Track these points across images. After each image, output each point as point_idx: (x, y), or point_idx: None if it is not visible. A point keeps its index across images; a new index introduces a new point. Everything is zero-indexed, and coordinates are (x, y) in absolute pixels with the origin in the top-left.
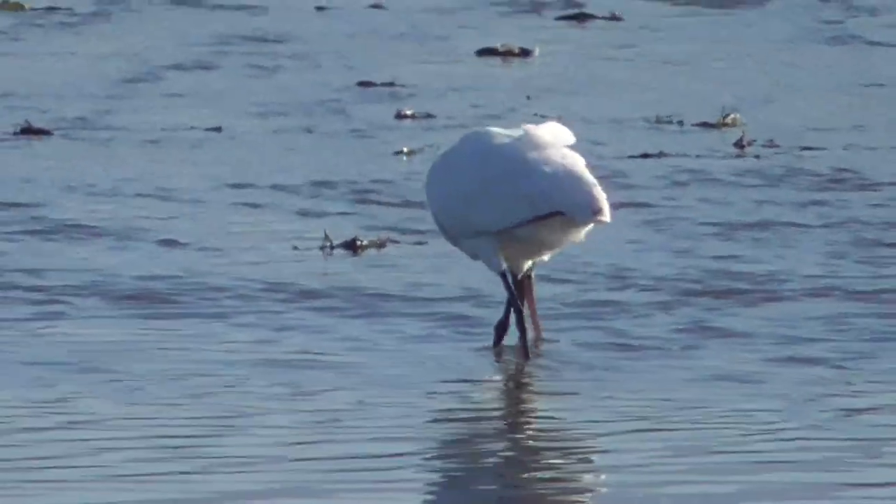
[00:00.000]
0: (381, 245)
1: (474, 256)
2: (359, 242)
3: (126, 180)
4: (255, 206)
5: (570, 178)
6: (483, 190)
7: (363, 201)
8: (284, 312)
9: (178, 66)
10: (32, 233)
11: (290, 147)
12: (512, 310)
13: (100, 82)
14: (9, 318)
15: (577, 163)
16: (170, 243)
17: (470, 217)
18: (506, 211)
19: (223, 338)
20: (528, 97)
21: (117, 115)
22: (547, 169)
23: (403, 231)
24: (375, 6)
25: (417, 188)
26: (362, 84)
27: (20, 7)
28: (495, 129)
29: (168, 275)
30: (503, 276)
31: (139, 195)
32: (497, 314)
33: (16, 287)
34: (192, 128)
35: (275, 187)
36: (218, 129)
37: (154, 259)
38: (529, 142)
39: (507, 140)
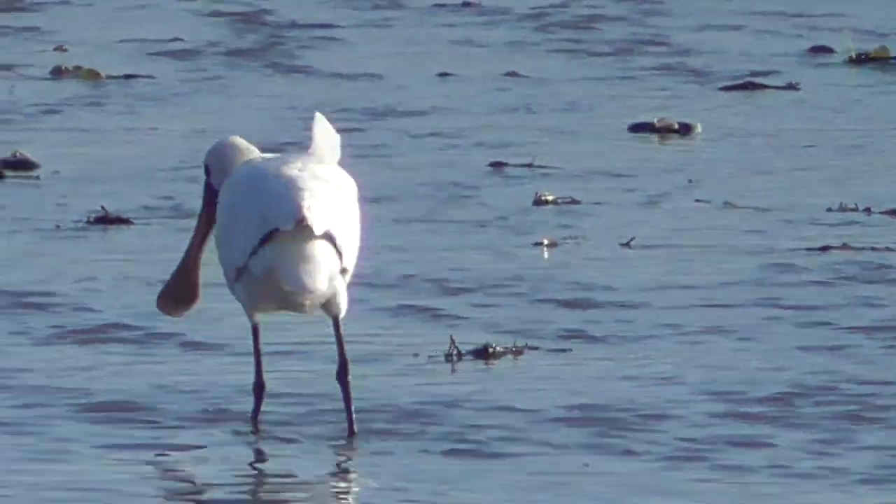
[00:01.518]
0: (517, 352)
1: (242, 304)
2: (491, 349)
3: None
4: (368, 307)
5: (277, 190)
6: (227, 223)
7: (495, 302)
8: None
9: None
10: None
11: (409, 238)
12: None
13: (185, 162)
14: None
15: (308, 174)
16: (281, 352)
17: (225, 253)
18: (238, 241)
19: None
20: (690, 181)
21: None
22: (268, 186)
23: (543, 336)
24: (511, 74)
25: (559, 285)
26: (495, 164)
27: (96, 76)
28: (269, 155)
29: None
30: (253, 329)
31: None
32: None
33: None
34: None
35: (391, 286)
36: None
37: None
38: (278, 161)
39: (259, 163)
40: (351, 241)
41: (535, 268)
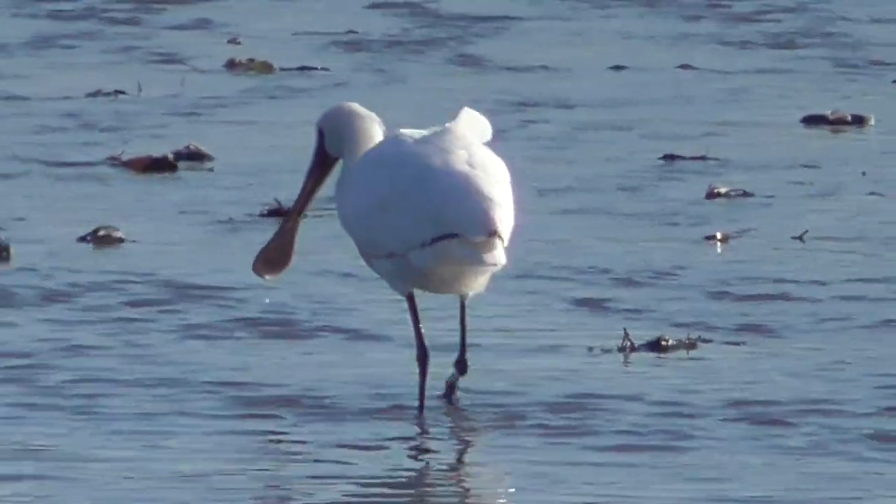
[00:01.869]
0: (690, 345)
1: (386, 280)
2: (664, 342)
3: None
4: (541, 300)
5: (464, 194)
6: (382, 207)
7: (668, 295)
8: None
9: None
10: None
11: (580, 231)
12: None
13: None
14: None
15: (483, 172)
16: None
17: (373, 235)
18: (403, 231)
19: None
20: (864, 173)
21: None
22: (443, 182)
23: (715, 328)
24: (684, 66)
25: (732, 278)
26: (667, 158)
27: (269, 68)
28: (415, 132)
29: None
30: (409, 299)
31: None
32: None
33: None
34: None
35: (561, 278)
36: None
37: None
38: (438, 147)
39: (415, 146)
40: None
41: (708, 261)
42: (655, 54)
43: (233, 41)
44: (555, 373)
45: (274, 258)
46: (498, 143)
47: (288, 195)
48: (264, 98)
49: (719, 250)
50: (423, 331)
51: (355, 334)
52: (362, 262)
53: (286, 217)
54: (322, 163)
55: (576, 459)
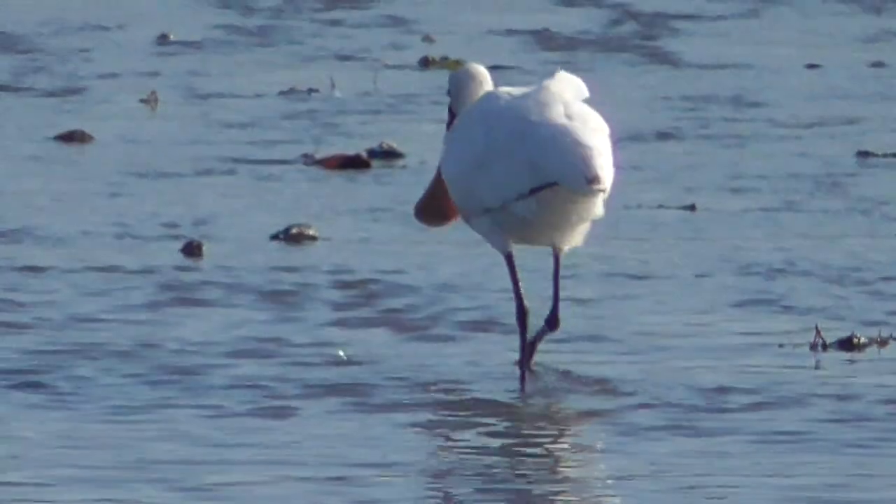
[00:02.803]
0: (883, 342)
1: (484, 238)
2: (856, 339)
3: (572, 265)
4: (733, 298)
5: (562, 143)
6: (479, 161)
7: (862, 291)
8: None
9: (640, 135)
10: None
11: (775, 227)
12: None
13: None
14: None
15: (581, 124)
16: (650, 339)
17: (470, 191)
18: (500, 184)
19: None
20: None
21: None
22: (541, 134)
23: None
24: (877, 64)
25: None
26: (861, 154)
27: (462, 65)
28: (511, 89)
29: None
30: (507, 258)
31: (602, 278)
32: None
33: None
34: (660, 206)
35: (756, 274)
36: (691, 208)
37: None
38: (536, 101)
39: (512, 101)
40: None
41: None
42: (849, 52)
43: (427, 38)
44: (749, 370)
45: (433, 212)
46: (693, 140)
47: None
48: None
49: None
50: (522, 290)
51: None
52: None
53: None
54: (453, 120)
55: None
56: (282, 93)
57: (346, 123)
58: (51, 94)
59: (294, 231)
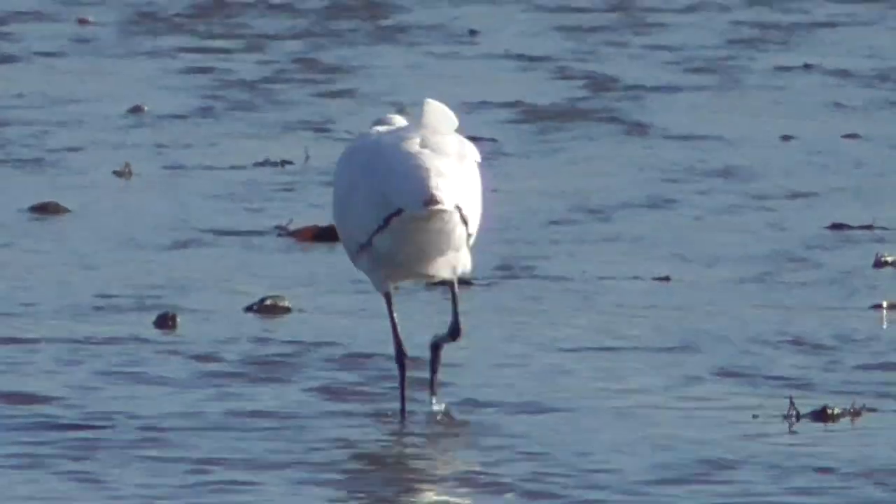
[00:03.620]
0: (856, 413)
1: (366, 276)
2: (830, 411)
3: (554, 340)
4: (702, 368)
5: (401, 169)
6: (344, 199)
7: (835, 362)
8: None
9: (620, 205)
10: None
11: (746, 299)
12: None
13: (529, 224)
14: None
15: (431, 151)
16: (623, 412)
17: (343, 229)
18: (360, 218)
19: None
20: None
21: (548, 261)
22: (387, 162)
23: (884, 395)
24: (851, 136)
25: None
26: (834, 227)
27: None
28: (388, 126)
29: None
30: (386, 297)
31: (576, 351)
32: None
33: None
34: (634, 277)
35: (728, 344)
36: (665, 279)
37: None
38: (395, 136)
39: (373, 137)
40: (476, 207)
41: (874, 330)
42: (823, 124)
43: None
44: (721, 441)
45: None
46: (665, 211)
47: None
48: None
49: (886, 319)
50: (400, 332)
51: None
52: None
53: None
54: None
55: None
56: (256, 164)
57: (319, 195)
58: (24, 165)
59: (268, 302)
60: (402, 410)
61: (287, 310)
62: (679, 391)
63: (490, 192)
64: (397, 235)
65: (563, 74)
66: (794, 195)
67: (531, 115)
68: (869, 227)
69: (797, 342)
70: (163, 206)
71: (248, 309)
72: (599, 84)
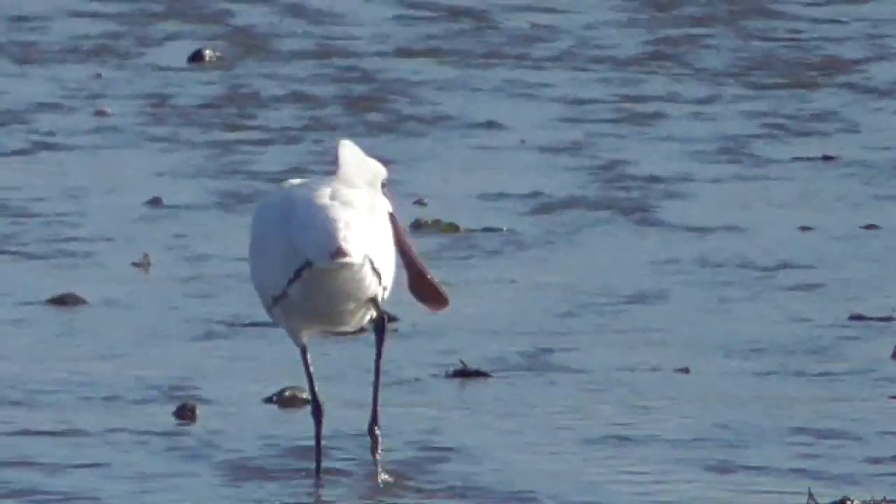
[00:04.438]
0: None
1: (283, 329)
2: (849, 502)
3: (574, 431)
4: (720, 458)
5: (310, 221)
6: (255, 252)
7: (854, 453)
8: None
9: (637, 296)
10: None
11: (765, 389)
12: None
13: (546, 315)
14: None
15: (341, 203)
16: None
17: (257, 282)
18: (272, 271)
19: None
20: None
21: (566, 353)
22: (297, 216)
23: None
24: (870, 227)
25: None
26: (854, 317)
27: (455, 229)
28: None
29: None
30: (302, 351)
31: (595, 442)
32: None
33: None
34: (654, 369)
35: (743, 435)
36: (685, 371)
37: None
38: (307, 188)
39: (286, 191)
40: (387, 260)
41: (894, 421)
42: (842, 215)
43: (419, 202)
44: None
45: (435, 303)
46: (682, 302)
47: (473, 356)
48: (450, 259)
49: None
50: (316, 386)
51: None
52: None
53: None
54: None
55: None
56: None
57: None
58: (42, 257)
59: (287, 394)
60: (318, 466)
61: (306, 401)
62: (700, 482)
63: (508, 283)
64: (308, 288)
65: (580, 165)
66: (813, 286)
67: (548, 206)
68: (888, 319)
69: (816, 432)
70: (182, 298)
71: (268, 400)
72: (616, 175)
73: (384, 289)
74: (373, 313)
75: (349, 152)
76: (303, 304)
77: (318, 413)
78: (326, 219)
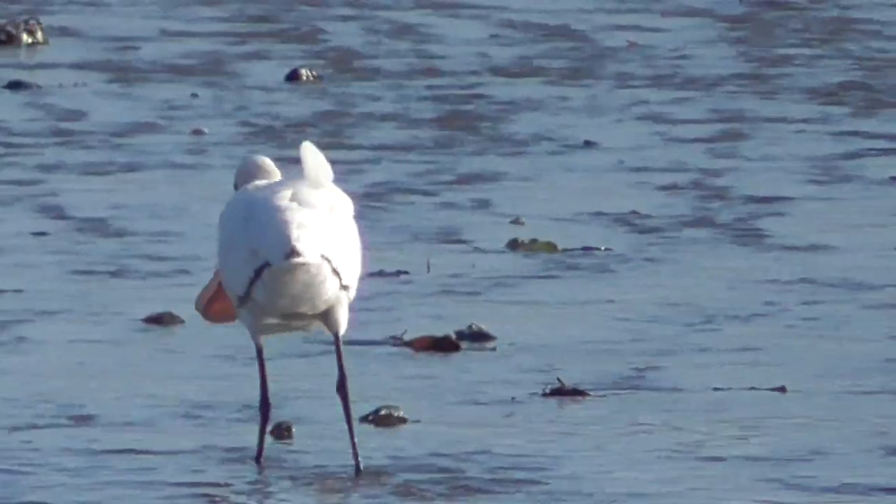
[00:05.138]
0: None
1: (245, 327)
2: None
3: (672, 450)
4: (827, 484)
5: (266, 222)
6: (221, 253)
7: None
8: None
9: (734, 315)
10: None
11: (865, 410)
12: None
13: (639, 335)
14: None
15: (299, 204)
16: None
17: (224, 282)
18: (234, 272)
19: None
20: None
21: (663, 372)
22: (256, 217)
23: None
24: None
25: None
26: None
27: (552, 248)
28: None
29: None
30: (258, 351)
31: (697, 461)
32: None
33: None
34: (751, 388)
35: (844, 462)
36: (781, 390)
37: None
38: (269, 189)
39: (249, 192)
40: (349, 259)
41: None
42: None
43: (515, 221)
44: None
45: (221, 315)
46: (779, 321)
47: (570, 375)
48: (547, 278)
49: None
50: (268, 383)
51: None
52: None
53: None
54: None
55: None
56: (371, 274)
57: (434, 305)
58: (139, 276)
59: (384, 412)
60: (259, 454)
61: (403, 420)
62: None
63: (606, 303)
64: (269, 288)
65: (677, 184)
66: None
67: (645, 225)
68: None
69: None
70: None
71: (364, 419)
72: (712, 194)
73: (346, 288)
74: (338, 318)
75: (312, 154)
76: (264, 304)
77: (265, 407)
78: (282, 219)
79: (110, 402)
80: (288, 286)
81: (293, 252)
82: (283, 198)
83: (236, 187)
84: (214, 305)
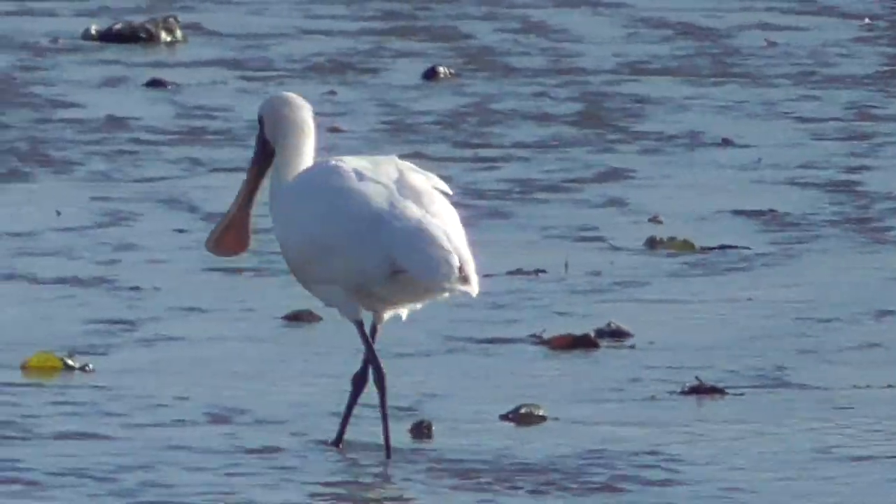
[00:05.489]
0: None
1: (328, 303)
2: None
3: (799, 447)
4: None
5: (419, 238)
6: (326, 242)
7: None
8: None
9: (874, 313)
10: None
11: None
12: (370, 366)
13: (778, 333)
14: None
15: (439, 219)
16: None
17: (319, 266)
18: (356, 270)
19: None
20: None
21: (801, 370)
22: (401, 223)
23: None
24: None
25: None
26: None
27: (690, 246)
28: (361, 164)
29: None
30: (359, 325)
31: (838, 461)
32: None
33: None
34: (888, 386)
35: None
36: None
37: None
38: (396, 189)
39: (370, 184)
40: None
41: None
42: None
43: (654, 219)
44: None
45: (231, 245)
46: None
47: (709, 373)
48: (684, 276)
49: None
50: (378, 354)
51: None
52: None
53: (233, 205)
54: (264, 151)
55: None
56: (509, 273)
57: (573, 303)
58: (279, 274)
59: (524, 411)
60: (384, 422)
61: (542, 419)
62: None
63: (745, 301)
64: (397, 288)
65: (815, 183)
66: None
67: (784, 223)
68: None
69: None
70: (412, 315)
71: (504, 417)
72: (851, 192)
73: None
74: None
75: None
76: (382, 296)
77: (381, 379)
78: (432, 235)
79: (251, 400)
80: (421, 294)
81: (461, 279)
82: (412, 208)
83: (261, 124)
84: (225, 238)
